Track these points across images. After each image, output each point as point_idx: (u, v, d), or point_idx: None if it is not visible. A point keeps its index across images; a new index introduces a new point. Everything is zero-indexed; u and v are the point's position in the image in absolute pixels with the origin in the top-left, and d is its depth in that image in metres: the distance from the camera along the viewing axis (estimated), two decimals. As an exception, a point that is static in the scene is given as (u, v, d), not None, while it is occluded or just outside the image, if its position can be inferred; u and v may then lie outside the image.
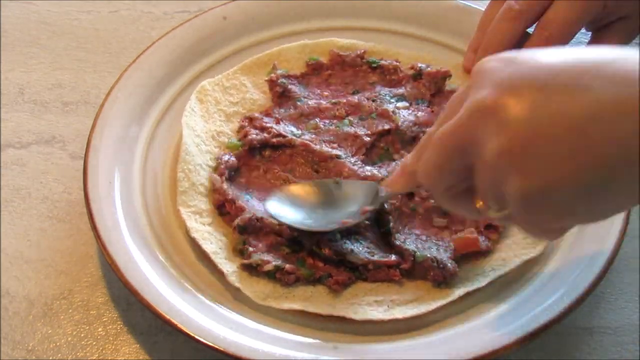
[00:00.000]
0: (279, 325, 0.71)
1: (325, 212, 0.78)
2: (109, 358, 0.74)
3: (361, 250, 0.76)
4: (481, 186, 0.57)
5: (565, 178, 0.52)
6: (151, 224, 0.79)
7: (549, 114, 0.52)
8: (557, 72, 0.52)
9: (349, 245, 0.76)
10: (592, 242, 0.74)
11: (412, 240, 0.77)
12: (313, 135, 0.86)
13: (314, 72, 0.94)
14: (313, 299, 0.73)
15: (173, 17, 1.08)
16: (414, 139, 0.86)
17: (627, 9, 0.86)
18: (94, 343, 0.75)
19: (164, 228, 0.79)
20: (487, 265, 0.76)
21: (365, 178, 0.81)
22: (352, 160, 0.84)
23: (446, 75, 0.91)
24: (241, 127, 0.87)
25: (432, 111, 0.89)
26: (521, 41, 0.87)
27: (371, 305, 0.73)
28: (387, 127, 0.86)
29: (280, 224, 0.76)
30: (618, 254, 0.73)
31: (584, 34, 0.93)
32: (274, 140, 0.84)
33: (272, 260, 0.74)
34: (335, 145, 0.85)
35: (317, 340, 0.70)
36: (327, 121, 0.87)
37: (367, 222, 0.78)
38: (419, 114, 0.88)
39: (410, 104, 0.89)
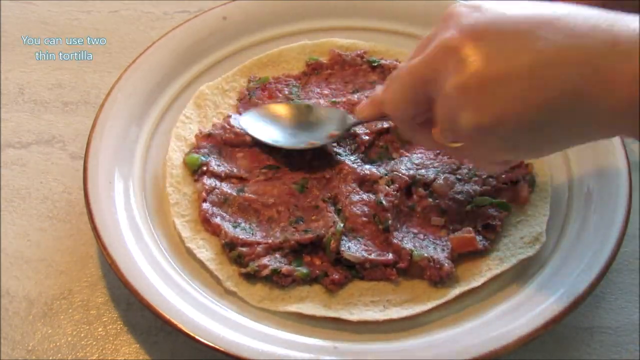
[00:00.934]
0: (279, 325, 0.71)
1: (295, 133, 0.84)
2: (109, 358, 0.74)
3: (358, 248, 0.76)
4: (439, 118, 0.64)
5: (512, 115, 0.59)
6: (151, 224, 0.79)
7: (505, 57, 0.58)
8: (517, 22, 0.59)
9: (346, 243, 0.76)
10: (592, 242, 0.74)
11: (409, 239, 0.77)
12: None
13: (314, 71, 0.94)
14: (309, 300, 0.73)
15: (173, 17, 1.08)
16: (414, 139, 0.87)
17: (627, 9, 0.86)
18: (94, 343, 0.75)
19: (164, 228, 0.79)
20: (484, 264, 0.76)
21: (364, 177, 0.81)
22: (352, 158, 0.84)
23: None
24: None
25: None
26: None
27: (367, 305, 0.73)
28: (385, 125, 0.86)
29: (253, 139, 0.83)
30: (618, 254, 0.73)
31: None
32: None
33: (269, 264, 0.74)
34: (334, 143, 0.85)
35: (317, 340, 0.70)
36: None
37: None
38: (419, 113, 0.88)
39: (410, 104, 0.89)
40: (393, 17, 0.98)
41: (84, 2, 1.10)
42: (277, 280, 0.74)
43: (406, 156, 0.84)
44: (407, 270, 0.75)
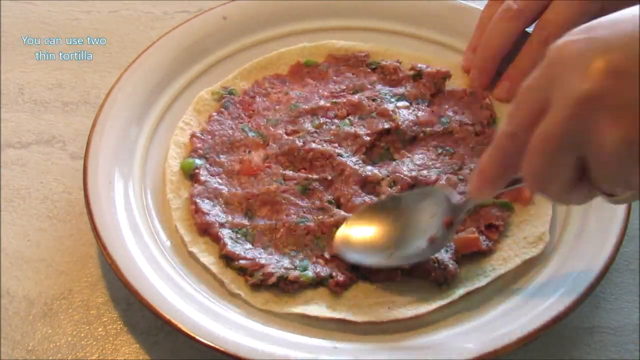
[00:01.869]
0: (279, 325, 0.71)
1: (399, 242, 0.74)
2: (109, 358, 0.74)
3: None
4: (603, 177, 0.55)
5: None
6: (151, 224, 0.79)
7: None
8: None
9: None
10: (592, 242, 0.74)
11: None
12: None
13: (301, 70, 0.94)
14: (314, 302, 0.73)
15: (173, 17, 1.08)
16: (414, 139, 0.86)
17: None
18: (94, 343, 0.75)
19: (164, 228, 0.79)
20: (488, 264, 0.76)
21: (366, 178, 0.81)
22: (353, 160, 0.84)
23: (446, 76, 0.91)
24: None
25: (433, 111, 0.89)
26: (520, 41, 0.87)
27: (372, 306, 0.73)
28: (387, 126, 0.86)
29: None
30: (618, 254, 0.73)
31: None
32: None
33: (274, 271, 0.74)
34: (335, 145, 0.85)
35: (317, 340, 0.70)
36: (328, 120, 0.87)
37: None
38: (419, 113, 0.88)
39: (411, 104, 0.89)
40: (393, 17, 0.98)
41: (84, 2, 1.10)
42: (283, 286, 0.74)
43: (408, 157, 0.84)
44: (411, 271, 0.75)
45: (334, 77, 0.93)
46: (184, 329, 0.68)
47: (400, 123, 0.86)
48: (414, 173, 0.82)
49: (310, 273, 0.74)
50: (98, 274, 0.80)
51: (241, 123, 0.88)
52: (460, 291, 0.73)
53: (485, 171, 0.63)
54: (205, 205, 0.79)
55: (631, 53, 0.49)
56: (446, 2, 0.98)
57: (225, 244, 0.76)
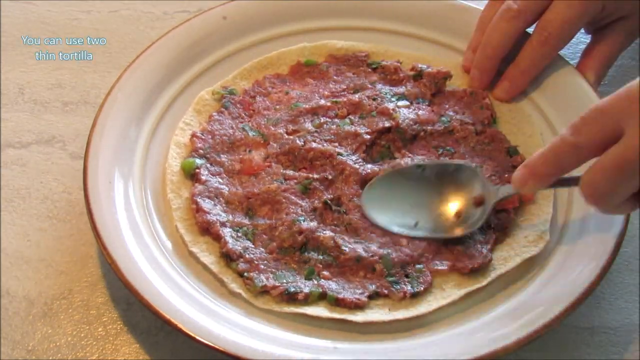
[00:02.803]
0: (279, 325, 0.71)
1: (418, 213, 0.77)
2: (109, 358, 0.74)
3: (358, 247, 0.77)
4: None
5: None
6: (151, 224, 0.79)
7: None
8: None
9: (347, 244, 0.77)
10: (592, 242, 0.74)
11: None
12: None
13: (302, 69, 0.94)
14: (314, 302, 0.73)
15: (173, 17, 1.08)
16: (415, 137, 0.86)
17: (626, 9, 0.86)
18: (94, 343, 0.75)
19: (164, 228, 0.79)
20: (489, 264, 0.75)
21: (366, 177, 0.81)
22: (353, 158, 0.84)
23: (446, 76, 0.91)
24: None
25: (433, 110, 0.89)
26: (520, 41, 0.87)
27: (372, 308, 0.73)
28: (387, 124, 0.86)
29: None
30: (618, 254, 0.73)
31: (584, 34, 0.93)
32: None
33: (279, 284, 0.73)
34: (335, 144, 0.85)
35: (317, 340, 0.70)
36: (329, 120, 0.87)
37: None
38: (420, 112, 0.88)
39: (411, 103, 0.90)
40: (393, 17, 0.98)
41: (84, 2, 1.10)
42: (288, 299, 0.73)
43: (409, 157, 0.84)
44: (448, 254, 0.76)
45: (334, 77, 0.93)
46: (184, 329, 0.68)
47: (400, 122, 0.86)
48: None
49: (317, 290, 0.73)
50: (98, 274, 0.80)
51: (241, 123, 0.88)
52: (461, 292, 0.73)
53: (536, 168, 0.70)
54: (206, 204, 0.79)
55: None
56: (446, 2, 0.97)
57: (226, 242, 0.76)
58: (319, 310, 0.72)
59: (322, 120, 0.87)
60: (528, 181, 0.71)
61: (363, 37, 0.97)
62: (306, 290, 0.73)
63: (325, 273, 0.75)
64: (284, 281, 0.74)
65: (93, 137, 0.82)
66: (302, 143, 0.85)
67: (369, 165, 0.83)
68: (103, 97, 0.87)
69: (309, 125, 0.87)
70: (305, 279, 0.74)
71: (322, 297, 0.73)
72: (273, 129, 0.87)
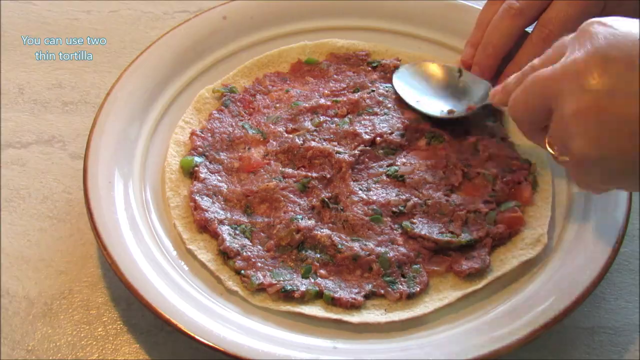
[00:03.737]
0: (279, 325, 0.71)
1: (440, 96, 0.88)
2: (109, 358, 0.74)
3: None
4: (553, 132, 0.65)
5: (623, 153, 0.58)
6: (151, 224, 0.79)
7: (628, 93, 0.56)
8: None
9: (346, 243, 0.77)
10: (592, 242, 0.74)
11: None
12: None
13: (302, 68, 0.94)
14: (310, 302, 0.73)
15: (173, 17, 1.08)
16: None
17: (627, 9, 0.86)
18: (94, 343, 0.75)
19: (164, 228, 0.79)
20: (487, 269, 0.75)
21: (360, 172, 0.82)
22: (352, 157, 0.83)
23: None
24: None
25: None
26: (521, 40, 0.87)
27: (368, 308, 0.73)
28: (384, 127, 0.86)
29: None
30: (618, 254, 0.73)
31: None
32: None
33: (277, 282, 0.73)
34: (335, 143, 0.85)
35: (317, 340, 0.70)
36: (328, 119, 0.87)
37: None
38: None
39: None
40: (393, 17, 0.98)
41: (84, 2, 1.10)
42: (284, 297, 0.73)
43: (409, 157, 0.84)
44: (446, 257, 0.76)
45: (335, 76, 0.93)
46: (184, 329, 0.68)
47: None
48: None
49: (314, 288, 0.73)
50: (98, 274, 0.80)
51: (241, 121, 0.88)
52: (457, 293, 0.73)
53: (508, 85, 0.75)
54: (204, 202, 0.79)
55: (625, 55, 0.59)
56: (446, 2, 0.97)
57: (223, 240, 0.76)
58: (315, 310, 0.72)
59: (321, 119, 0.87)
60: (497, 93, 0.77)
61: (363, 37, 0.97)
62: (303, 288, 0.73)
63: (322, 271, 0.75)
64: (281, 279, 0.74)
65: (93, 137, 0.82)
66: (302, 142, 0.85)
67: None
68: (103, 97, 0.87)
69: (308, 124, 0.87)
70: (302, 277, 0.74)
71: (318, 295, 0.73)
72: (273, 127, 0.87)
